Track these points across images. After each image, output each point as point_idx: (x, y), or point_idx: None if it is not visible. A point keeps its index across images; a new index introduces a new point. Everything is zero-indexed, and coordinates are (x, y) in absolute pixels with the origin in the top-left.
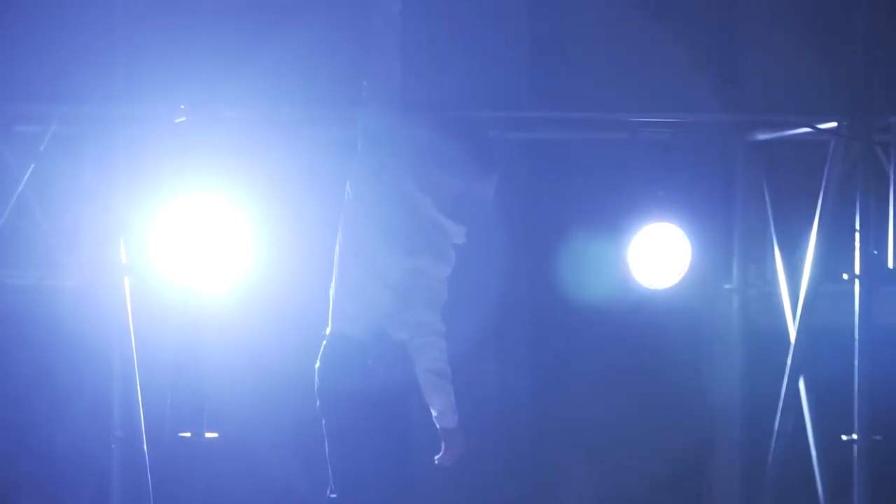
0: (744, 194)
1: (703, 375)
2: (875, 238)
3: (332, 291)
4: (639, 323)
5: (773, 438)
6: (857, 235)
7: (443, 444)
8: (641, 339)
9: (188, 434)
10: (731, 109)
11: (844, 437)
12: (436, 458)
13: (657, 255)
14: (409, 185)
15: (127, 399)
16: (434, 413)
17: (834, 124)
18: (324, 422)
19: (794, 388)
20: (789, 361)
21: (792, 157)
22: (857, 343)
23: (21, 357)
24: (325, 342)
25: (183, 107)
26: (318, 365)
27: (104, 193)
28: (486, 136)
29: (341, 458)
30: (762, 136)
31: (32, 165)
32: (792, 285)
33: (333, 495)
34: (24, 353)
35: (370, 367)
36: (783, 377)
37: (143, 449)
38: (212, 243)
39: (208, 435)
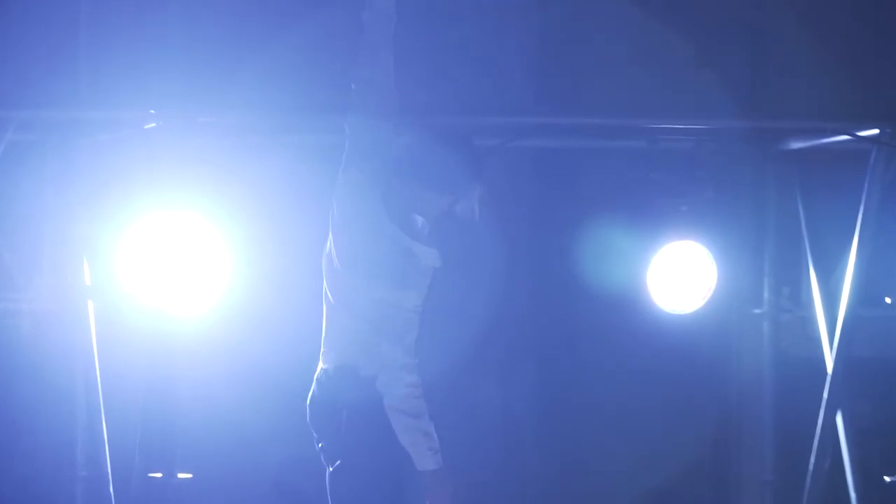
0: (775, 209)
1: (730, 408)
2: None
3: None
4: (659, 350)
5: (808, 479)
6: None
7: (426, 489)
8: (662, 368)
9: (159, 474)
10: (761, 115)
11: (887, 479)
12: None
13: (680, 276)
14: (378, 209)
15: (92, 435)
16: (412, 456)
17: (875, 131)
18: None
19: (830, 424)
20: (825, 394)
21: (828, 168)
22: None
23: None
24: (314, 379)
25: (153, 112)
26: (307, 402)
27: (66, 207)
28: (470, 146)
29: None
30: (796, 145)
31: None
32: (829, 310)
33: None
34: None
35: (336, 409)
36: (819, 412)
37: (109, 491)
38: (185, 263)
39: (181, 475)
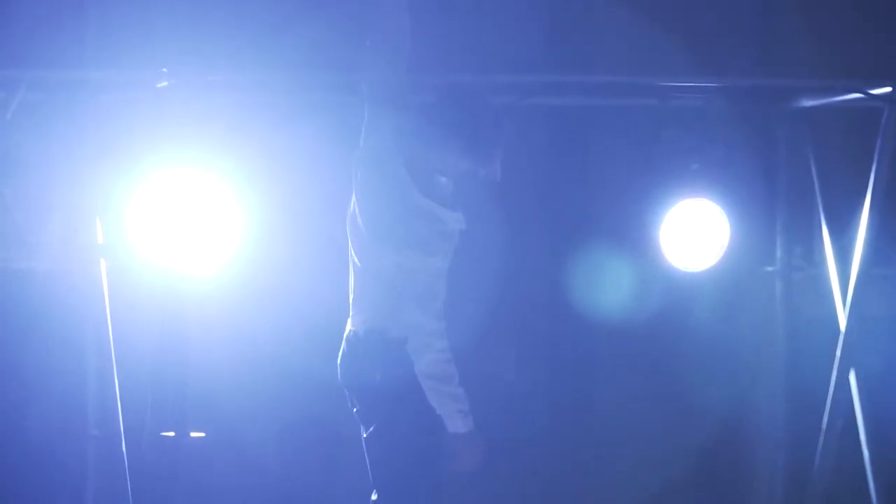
0: (787, 167)
1: (742, 368)
2: None
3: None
4: (671, 309)
5: (821, 438)
6: None
7: (456, 451)
8: (674, 327)
9: (171, 433)
10: (772, 73)
11: None
12: (451, 468)
13: (692, 234)
14: (401, 172)
15: (103, 394)
16: (443, 419)
17: (888, 89)
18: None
19: (843, 383)
20: (838, 353)
21: (841, 126)
22: None
23: None
24: (344, 333)
25: (165, 70)
26: (338, 361)
27: (77, 167)
28: (491, 108)
29: (372, 462)
30: (808, 103)
31: None
32: (842, 268)
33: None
34: None
35: (368, 369)
36: (832, 370)
37: (122, 449)
38: (197, 222)
39: (193, 434)
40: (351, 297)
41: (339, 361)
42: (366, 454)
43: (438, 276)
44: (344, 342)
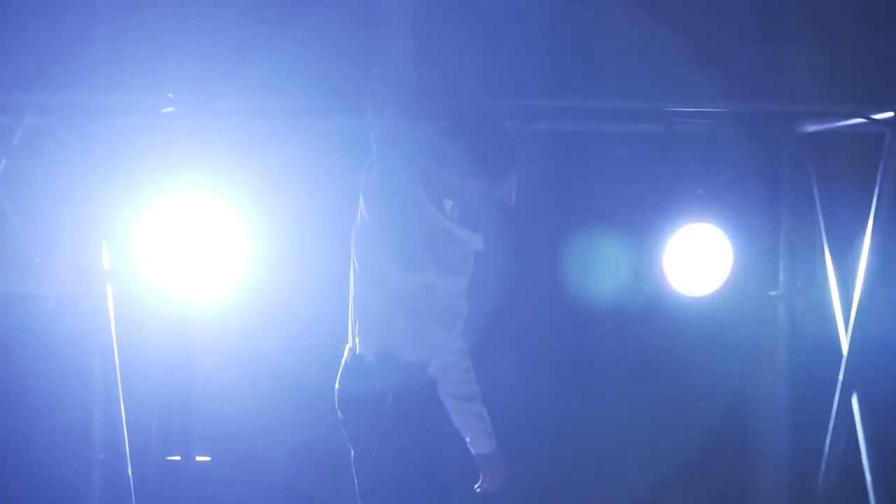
0: (791, 192)
1: (746, 391)
2: None
3: (350, 309)
4: (675, 333)
5: (824, 460)
6: None
7: (480, 471)
8: (678, 351)
9: (177, 457)
10: (776, 98)
11: None
12: (476, 486)
13: (696, 258)
14: (419, 192)
15: (110, 418)
16: (467, 439)
17: (890, 114)
18: (351, 452)
19: (846, 406)
20: (841, 376)
21: (844, 151)
22: None
23: None
24: (342, 361)
25: (171, 96)
26: (336, 387)
27: (84, 191)
28: (505, 131)
29: (365, 492)
30: (811, 128)
31: (4, 161)
32: (844, 292)
33: None
34: None
35: (378, 394)
36: (834, 393)
37: (128, 473)
38: (203, 247)
39: (199, 458)
40: (355, 320)
41: (337, 388)
42: (361, 474)
43: (460, 295)
44: (344, 368)
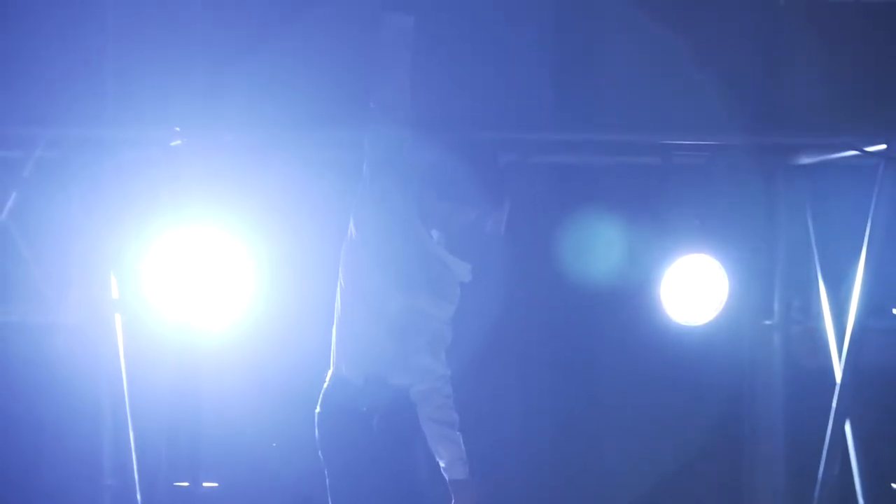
0: (786, 223)
1: (741, 419)
2: None
3: (333, 331)
4: (672, 362)
5: (818, 487)
6: None
7: (453, 497)
8: (675, 380)
9: (185, 483)
10: (771, 131)
11: (894, 486)
12: None
13: (692, 288)
14: (412, 217)
15: (118, 444)
16: (442, 464)
17: (883, 146)
18: (325, 472)
19: (839, 433)
20: (834, 404)
21: (837, 183)
22: None
23: (3, 398)
24: (324, 386)
25: (178, 129)
26: (317, 410)
27: (93, 223)
28: (496, 161)
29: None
30: (805, 160)
31: (15, 193)
32: (838, 321)
33: None
34: (6, 393)
35: (364, 415)
36: (828, 421)
37: (137, 499)
38: (210, 278)
39: (206, 485)
40: (340, 341)
41: (318, 411)
42: (337, 494)
43: (446, 322)
44: (326, 392)
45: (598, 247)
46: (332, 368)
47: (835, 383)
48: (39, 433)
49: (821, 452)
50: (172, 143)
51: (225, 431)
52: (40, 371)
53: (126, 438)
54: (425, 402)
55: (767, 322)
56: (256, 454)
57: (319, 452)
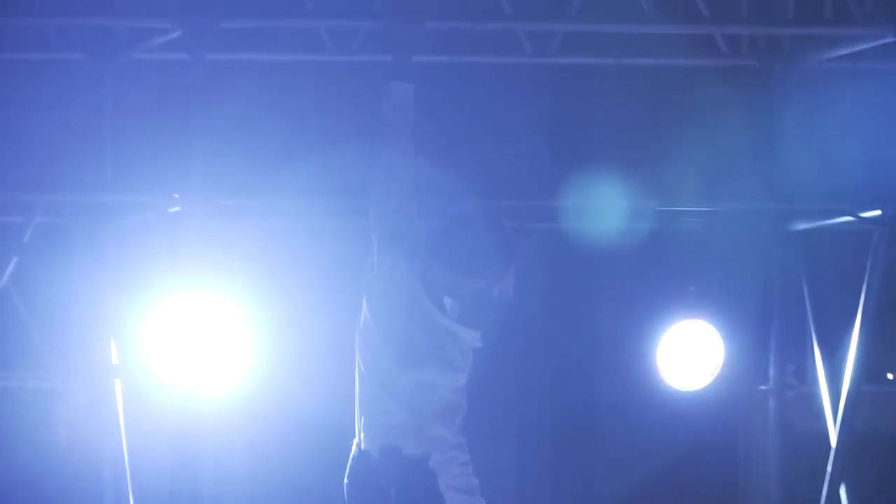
0: (781, 288)
1: (737, 484)
2: None
3: (355, 403)
4: (668, 427)
5: None
6: None
7: None
8: (671, 444)
9: None
10: (767, 198)
11: None
12: None
13: (688, 354)
14: (418, 290)
15: None
16: None
17: (878, 212)
18: None
19: (835, 498)
20: (829, 468)
21: (832, 249)
22: None
23: (4, 463)
24: (350, 456)
25: (177, 196)
26: (345, 481)
27: (93, 289)
28: (503, 228)
29: None
30: (801, 226)
31: (15, 258)
32: (833, 386)
33: None
34: (7, 458)
35: (383, 487)
36: (823, 485)
37: None
38: (209, 343)
39: None
40: (360, 418)
41: (346, 482)
42: None
43: (459, 391)
44: (351, 463)
45: (595, 315)
46: (356, 438)
47: (830, 447)
48: (41, 498)
49: None
50: (171, 210)
51: (225, 496)
52: (41, 436)
53: (126, 502)
54: (443, 471)
55: (763, 387)
56: None
57: None
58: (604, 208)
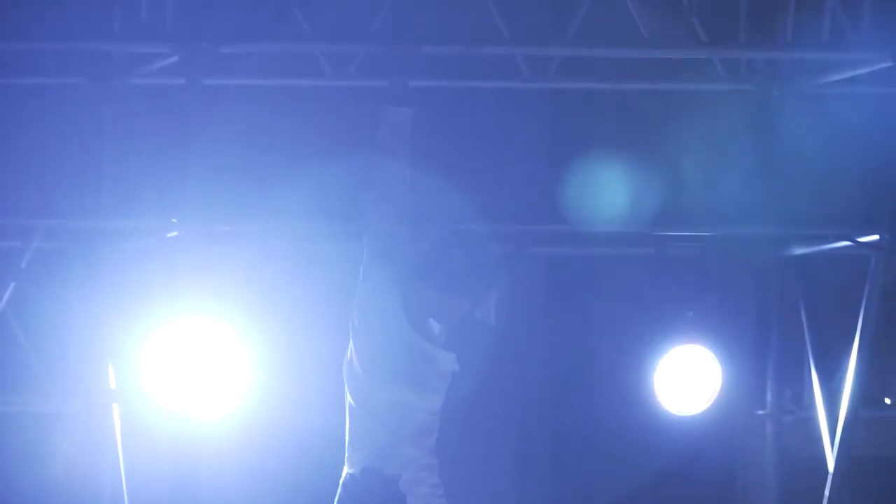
0: (779, 313)
1: None
2: None
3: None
4: (666, 451)
5: None
6: None
7: None
8: (669, 469)
9: None
10: (764, 223)
11: None
12: None
13: (686, 379)
14: (396, 311)
15: None
16: None
17: (875, 237)
18: None
19: None
20: (827, 493)
21: (830, 273)
22: None
23: (2, 488)
24: (340, 482)
25: (174, 220)
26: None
27: (91, 314)
28: (489, 251)
29: None
30: (798, 251)
31: (13, 283)
32: (830, 411)
33: None
34: (5, 484)
35: None
36: None
37: None
38: (207, 368)
39: None
40: (346, 441)
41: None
42: None
43: (432, 413)
44: (340, 487)
45: (592, 340)
46: (345, 463)
47: (827, 473)
48: None
49: None
50: (169, 235)
51: None
52: (37, 461)
53: None
54: (411, 492)
55: (760, 412)
56: None
57: None
58: (602, 232)
